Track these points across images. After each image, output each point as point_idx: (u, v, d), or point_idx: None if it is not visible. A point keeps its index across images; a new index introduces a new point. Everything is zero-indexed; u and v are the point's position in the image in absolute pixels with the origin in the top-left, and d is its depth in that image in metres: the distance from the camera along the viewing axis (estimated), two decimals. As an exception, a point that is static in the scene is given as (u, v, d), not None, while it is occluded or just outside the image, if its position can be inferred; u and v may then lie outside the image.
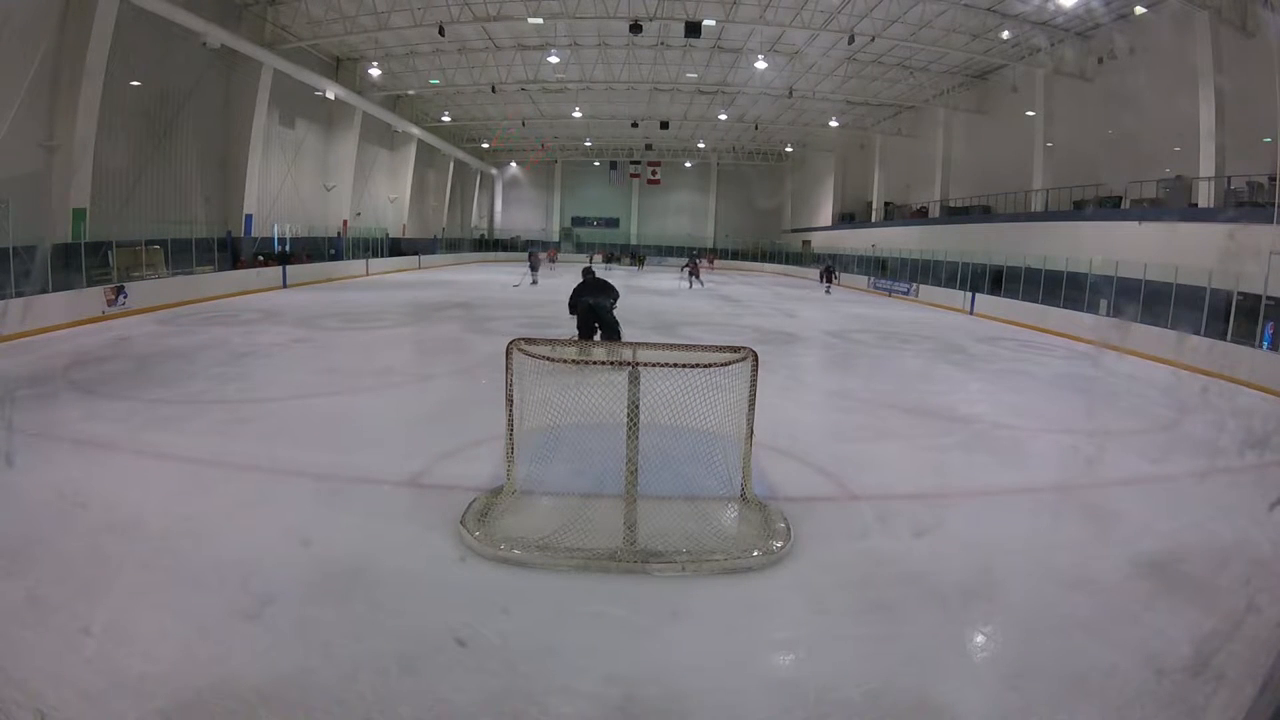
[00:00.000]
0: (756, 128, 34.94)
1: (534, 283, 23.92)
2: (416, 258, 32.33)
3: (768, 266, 40.96)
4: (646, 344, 4.82)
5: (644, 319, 15.89)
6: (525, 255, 30.37)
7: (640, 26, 20.14)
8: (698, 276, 26.39)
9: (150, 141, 17.36)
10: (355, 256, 26.63)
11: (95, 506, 4.43)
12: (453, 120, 34.64)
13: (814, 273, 33.12)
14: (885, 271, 28.50)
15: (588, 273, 9.61)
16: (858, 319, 17.83)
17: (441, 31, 20.30)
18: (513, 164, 47.14)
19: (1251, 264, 12.14)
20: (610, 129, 37.34)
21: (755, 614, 3.58)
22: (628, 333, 12.97)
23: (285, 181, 23.85)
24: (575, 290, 9.04)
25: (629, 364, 4.07)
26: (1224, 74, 15.13)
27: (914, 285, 25.18)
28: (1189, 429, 8.11)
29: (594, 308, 8.81)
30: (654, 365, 4.16)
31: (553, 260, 35.17)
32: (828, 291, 26.65)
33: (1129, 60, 18.38)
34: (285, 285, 20.08)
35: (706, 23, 19.90)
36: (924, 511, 5.01)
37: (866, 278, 29.34)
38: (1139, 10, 17.44)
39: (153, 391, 7.60)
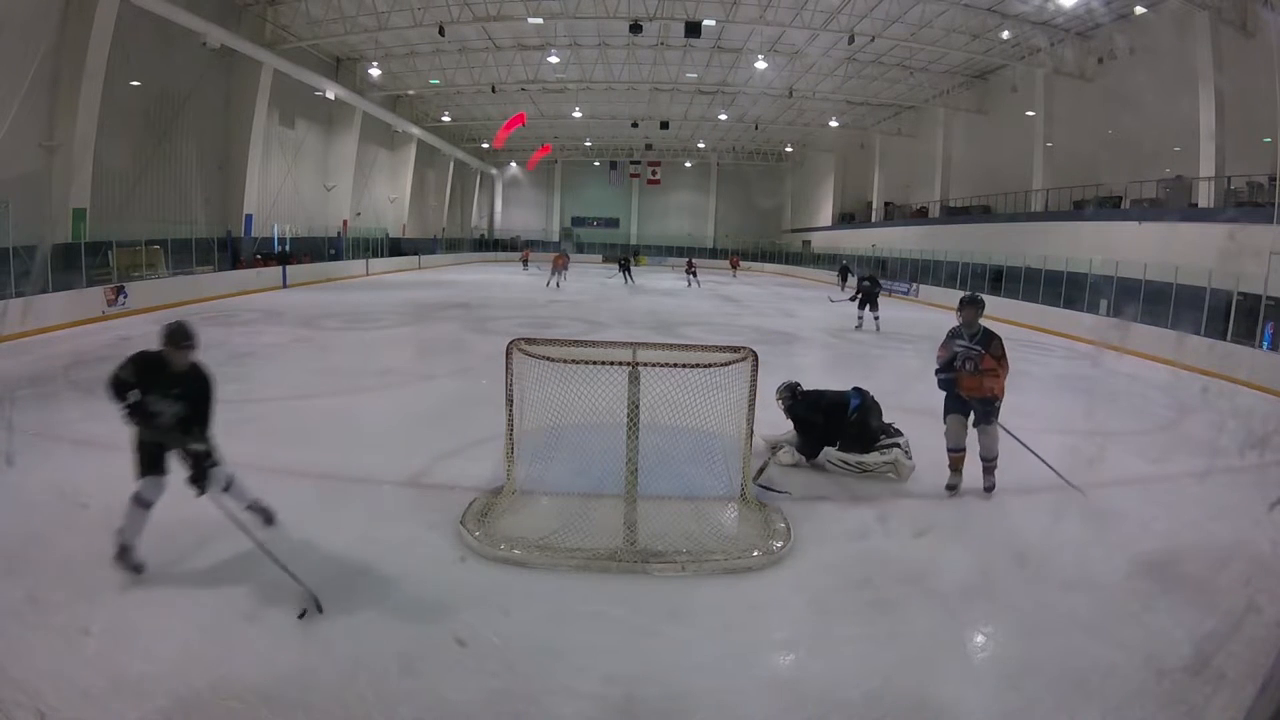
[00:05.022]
0: (756, 128, 34.94)
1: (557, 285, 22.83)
2: (416, 258, 32.33)
3: (768, 266, 40.97)
4: (646, 344, 4.82)
5: (644, 319, 15.90)
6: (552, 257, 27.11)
7: (640, 26, 20.15)
8: (695, 275, 26.96)
9: (150, 141, 17.36)
10: (355, 256, 26.62)
11: (95, 506, 4.41)
12: (453, 120, 34.64)
13: (823, 275, 32.55)
14: (885, 271, 28.48)
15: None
16: (857, 319, 17.77)
17: (441, 31, 20.31)
18: (513, 164, 47.13)
19: (1251, 264, 12.14)
20: (610, 129, 37.33)
21: (755, 614, 3.58)
22: (627, 333, 13.06)
23: (285, 181, 23.85)
24: None
25: (629, 364, 4.07)
26: (1224, 74, 15.13)
27: (914, 285, 25.18)
28: (1189, 429, 8.10)
29: None
30: (654, 365, 4.16)
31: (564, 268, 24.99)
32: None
33: (1129, 60, 18.38)
34: (285, 285, 20.08)
35: (706, 23, 19.90)
36: (924, 511, 5.01)
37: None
38: (1139, 10, 17.44)
39: (153, 391, 7.58)
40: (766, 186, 44.42)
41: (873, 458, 5.58)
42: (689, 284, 25.87)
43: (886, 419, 5.92)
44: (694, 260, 29.20)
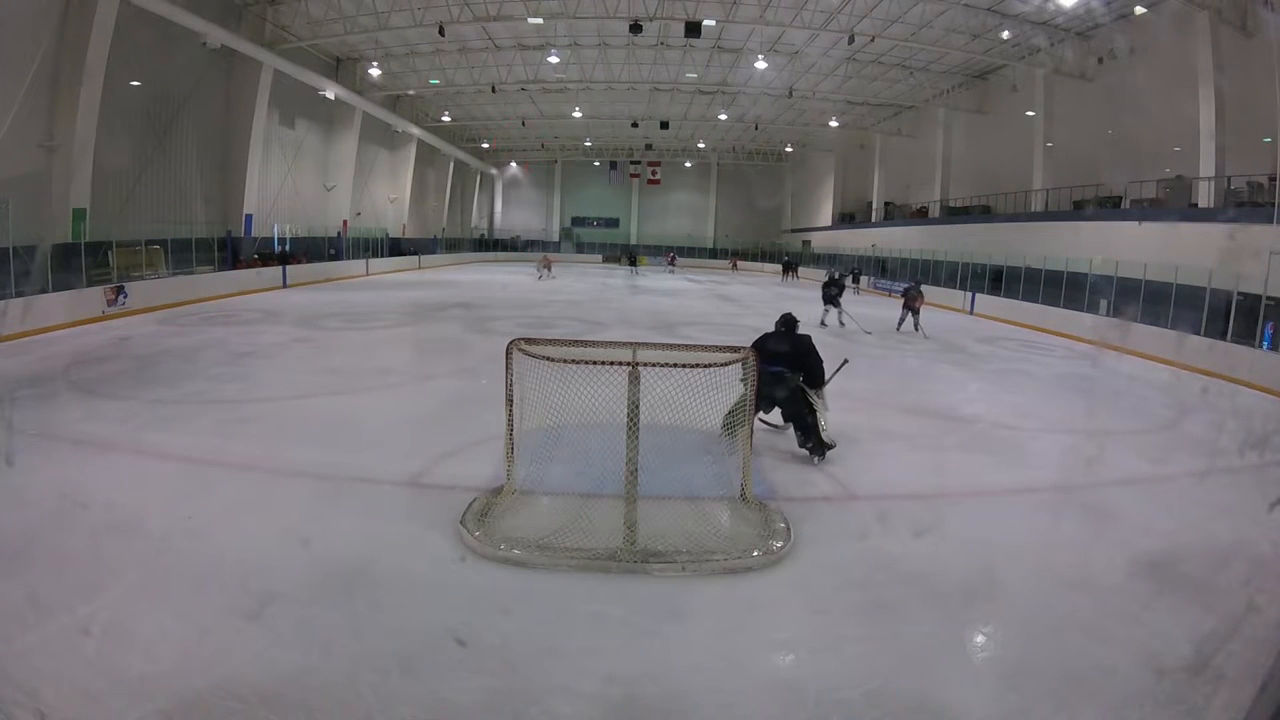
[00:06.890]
0: (756, 128, 34.94)
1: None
2: (416, 258, 32.34)
3: (768, 266, 40.94)
4: (646, 344, 4.82)
5: (644, 319, 15.91)
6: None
7: (640, 26, 20.13)
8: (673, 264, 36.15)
9: (150, 141, 17.35)
10: (355, 256, 26.63)
11: (95, 506, 4.42)
12: (453, 120, 34.63)
13: (818, 274, 32.99)
14: (885, 271, 28.49)
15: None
16: (858, 319, 17.78)
17: (441, 31, 20.30)
18: (513, 164, 47.12)
19: (1251, 264, 12.14)
20: (610, 129, 37.34)
21: (755, 614, 3.58)
22: (627, 333, 13.05)
23: (285, 181, 23.85)
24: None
25: (629, 364, 4.07)
26: (1224, 74, 15.13)
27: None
28: (1189, 429, 8.10)
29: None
30: (654, 365, 4.16)
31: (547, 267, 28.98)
32: None
33: (1129, 60, 18.37)
34: (285, 285, 20.08)
35: (706, 23, 19.89)
36: (924, 511, 5.01)
37: (865, 278, 29.33)
38: (1139, 10, 17.43)
39: (153, 391, 7.59)
40: (766, 186, 44.43)
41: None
42: (670, 272, 32.44)
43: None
44: (675, 256, 38.82)
